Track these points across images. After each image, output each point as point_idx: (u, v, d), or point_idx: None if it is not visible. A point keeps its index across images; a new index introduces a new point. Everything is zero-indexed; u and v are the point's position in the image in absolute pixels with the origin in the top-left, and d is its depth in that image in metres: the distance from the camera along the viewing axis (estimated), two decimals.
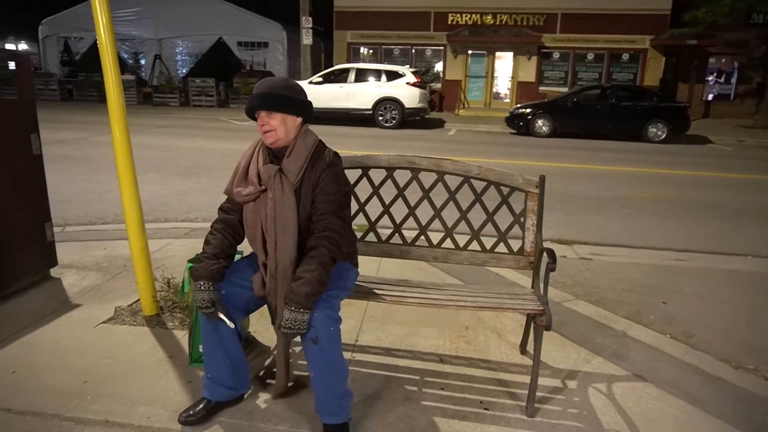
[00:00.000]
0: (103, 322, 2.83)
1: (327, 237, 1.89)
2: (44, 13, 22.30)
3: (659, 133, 12.80)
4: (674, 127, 12.78)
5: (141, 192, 2.88)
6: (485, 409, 2.22)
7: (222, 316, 1.95)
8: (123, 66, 21.45)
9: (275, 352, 2.19)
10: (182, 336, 2.68)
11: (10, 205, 3.01)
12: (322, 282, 1.85)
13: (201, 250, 2.02)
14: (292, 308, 1.81)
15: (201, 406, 2.09)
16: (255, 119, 1.97)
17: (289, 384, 2.20)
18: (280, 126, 1.92)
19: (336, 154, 2.04)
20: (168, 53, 22.07)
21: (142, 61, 22.42)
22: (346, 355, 2.57)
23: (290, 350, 2.18)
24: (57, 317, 2.87)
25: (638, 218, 5.79)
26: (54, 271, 3.40)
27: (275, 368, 2.21)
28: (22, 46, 34.64)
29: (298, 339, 1.89)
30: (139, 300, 2.95)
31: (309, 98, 2.04)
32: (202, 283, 1.93)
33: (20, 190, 3.08)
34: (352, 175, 2.60)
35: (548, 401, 2.29)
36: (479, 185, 2.54)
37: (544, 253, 2.30)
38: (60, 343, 2.61)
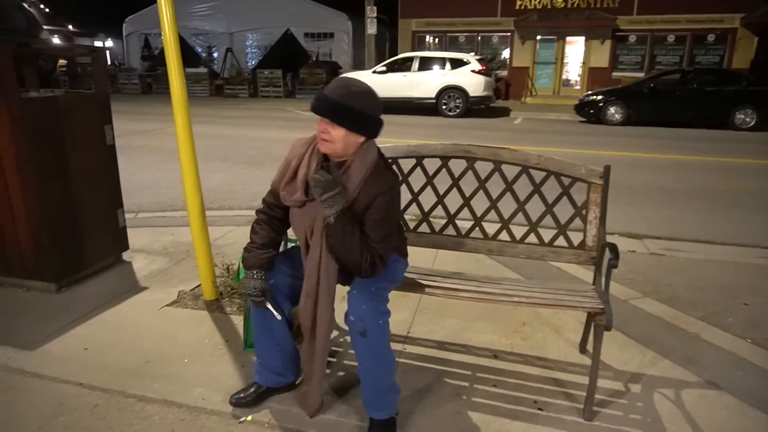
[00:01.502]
0: (166, 305, 2.96)
1: (374, 263, 1.83)
2: (129, 11, 23.75)
3: (747, 119, 11.79)
4: (766, 113, 11.74)
5: (208, 180, 2.99)
6: (539, 409, 2.13)
7: (270, 306, 1.96)
8: (197, 59, 22.51)
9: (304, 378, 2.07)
10: (239, 321, 2.76)
11: (86, 193, 3.21)
12: (345, 252, 1.78)
13: (249, 239, 2.04)
14: (333, 192, 1.74)
15: (252, 389, 2.14)
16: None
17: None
18: (340, 140, 1.78)
19: (395, 175, 1.92)
20: (239, 46, 22.88)
21: (215, 54, 23.39)
22: (397, 347, 2.55)
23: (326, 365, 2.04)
24: (127, 299, 3.04)
25: (718, 212, 5.36)
26: (126, 255, 3.60)
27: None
28: (108, 43, 37.01)
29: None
30: (200, 285, 3.07)
31: (374, 88, 1.89)
32: (254, 272, 1.95)
33: (95, 178, 3.27)
34: (405, 164, 2.56)
35: (608, 405, 2.16)
36: (538, 176, 2.42)
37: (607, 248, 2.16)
38: (128, 324, 2.76)
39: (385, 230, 1.86)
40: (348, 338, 2.56)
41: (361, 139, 1.83)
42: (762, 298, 3.34)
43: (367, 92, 1.81)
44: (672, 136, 10.74)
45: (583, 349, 2.55)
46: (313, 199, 1.85)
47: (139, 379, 2.27)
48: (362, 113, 1.78)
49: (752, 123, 11.75)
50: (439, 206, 2.58)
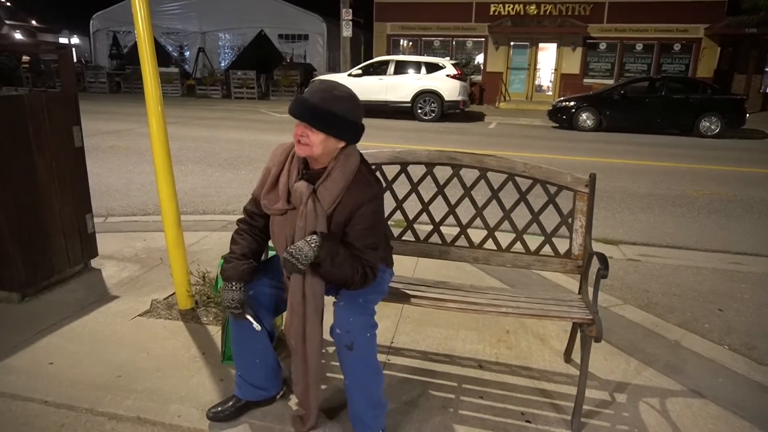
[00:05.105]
0: (139, 315, 2.83)
1: (365, 275, 1.78)
2: (96, 8, 23.09)
3: (713, 127, 12.15)
4: (729, 121, 12.11)
5: (182, 183, 2.87)
6: (527, 421, 2.09)
7: (249, 317, 1.87)
8: (168, 59, 22.03)
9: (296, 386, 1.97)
10: (216, 332, 2.65)
11: (52, 197, 3.05)
12: (335, 274, 1.74)
13: (229, 249, 1.96)
14: (313, 245, 1.70)
15: (230, 403, 2.05)
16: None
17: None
18: (319, 145, 1.70)
19: (378, 181, 1.85)
20: (211, 46, 22.51)
21: (187, 54, 22.95)
22: (382, 358, 2.49)
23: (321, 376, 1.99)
24: (96, 308, 2.90)
25: (691, 217, 5.48)
26: (94, 262, 3.44)
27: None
28: (75, 40, 35.96)
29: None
30: (174, 293, 2.95)
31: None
32: (232, 284, 1.87)
33: (63, 182, 3.12)
34: (390, 170, 2.50)
35: (595, 416, 2.14)
36: (524, 183, 2.40)
37: (594, 257, 2.15)
38: (98, 335, 2.62)
39: (372, 239, 1.80)
40: (331, 350, 2.49)
41: (341, 144, 1.76)
42: (736, 303, 3.40)
43: (350, 96, 1.75)
44: (642, 143, 10.99)
45: (568, 358, 2.53)
46: (294, 208, 1.78)
47: (110, 395, 2.15)
48: (344, 118, 1.71)
49: (717, 130, 12.11)
50: (424, 213, 2.53)
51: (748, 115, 12.41)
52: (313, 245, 1.70)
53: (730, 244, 4.62)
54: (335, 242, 1.75)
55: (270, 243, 2.05)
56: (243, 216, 1.99)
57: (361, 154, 1.86)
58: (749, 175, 7.88)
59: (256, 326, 1.89)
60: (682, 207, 5.86)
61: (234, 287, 1.86)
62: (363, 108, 1.81)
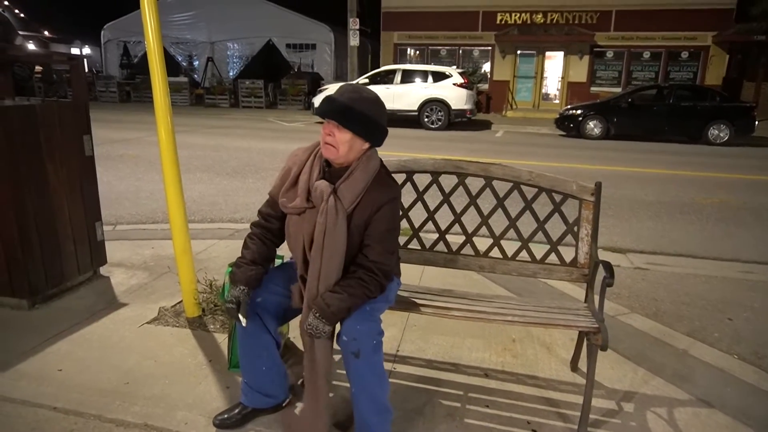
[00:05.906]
0: (147, 322, 2.85)
1: (377, 280, 1.80)
2: (107, 18, 23.40)
3: (721, 134, 12.09)
4: (738, 129, 12.04)
5: (190, 191, 2.90)
6: (533, 430, 2.08)
7: (241, 316, 1.87)
8: (177, 68, 22.25)
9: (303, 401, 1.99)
10: (222, 339, 2.67)
11: (62, 205, 3.09)
12: (351, 309, 1.78)
13: (240, 254, 1.98)
14: (317, 315, 1.76)
15: (237, 410, 2.06)
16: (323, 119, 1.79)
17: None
18: (344, 144, 1.76)
19: (396, 184, 1.90)
20: (220, 55, 22.72)
21: (195, 63, 23.17)
22: (387, 366, 2.49)
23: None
24: (105, 315, 2.93)
25: (700, 226, 5.45)
26: (103, 270, 3.47)
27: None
28: (86, 51, 36.39)
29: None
30: (182, 301, 2.97)
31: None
32: (239, 287, 1.89)
33: (73, 190, 3.16)
34: (396, 179, 2.51)
35: (602, 425, 2.13)
36: (530, 191, 2.41)
37: (600, 266, 2.15)
38: (106, 342, 2.64)
39: (391, 242, 1.82)
40: (337, 357, 2.49)
41: (366, 145, 1.81)
42: (745, 312, 3.38)
43: (376, 100, 1.82)
44: (650, 150, 10.94)
45: (574, 367, 2.52)
46: (313, 207, 1.81)
47: (118, 401, 2.17)
48: (370, 119, 1.77)
49: (726, 138, 12.05)
50: (430, 222, 2.54)
51: (757, 122, 12.33)
52: (317, 315, 1.76)
53: (739, 253, 4.59)
54: (324, 298, 1.77)
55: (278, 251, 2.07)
56: (258, 219, 2.02)
57: (381, 159, 1.90)
58: (758, 183, 7.82)
59: (243, 321, 1.89)
60: (691, 215, 5.83)
61: (239, 288, 1.88)
62: (385, 108, 1.87)
